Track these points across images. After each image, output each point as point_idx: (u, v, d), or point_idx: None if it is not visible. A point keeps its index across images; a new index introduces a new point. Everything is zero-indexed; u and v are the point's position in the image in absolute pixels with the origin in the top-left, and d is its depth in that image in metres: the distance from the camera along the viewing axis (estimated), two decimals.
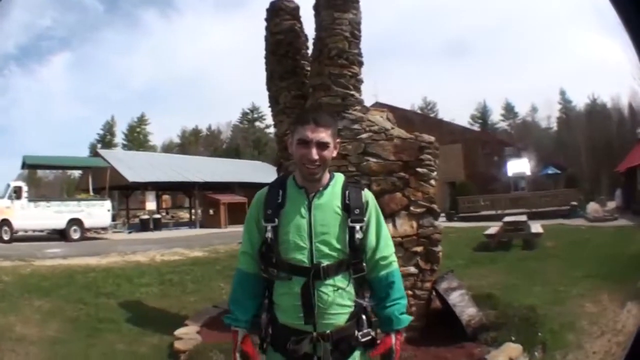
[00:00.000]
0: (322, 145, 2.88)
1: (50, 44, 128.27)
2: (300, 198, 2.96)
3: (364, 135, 7.08)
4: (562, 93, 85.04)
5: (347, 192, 2.98)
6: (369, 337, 2.98)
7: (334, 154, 3.01)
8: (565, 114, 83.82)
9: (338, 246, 2.88)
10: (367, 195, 3.08)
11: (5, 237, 27.37)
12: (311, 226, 2.89)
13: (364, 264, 2.99)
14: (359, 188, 3.08)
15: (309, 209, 2.92)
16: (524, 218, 21.26)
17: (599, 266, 12.56)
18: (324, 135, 2.90)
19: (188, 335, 7.68)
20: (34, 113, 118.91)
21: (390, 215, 6.88)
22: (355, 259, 2.94)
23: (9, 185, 28.81)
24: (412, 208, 6.98)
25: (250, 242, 3.09)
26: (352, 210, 2.92)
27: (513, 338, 6.56)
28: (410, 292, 6.79)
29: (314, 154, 2.85)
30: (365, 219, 2.99)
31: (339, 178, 3.07)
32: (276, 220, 2.93)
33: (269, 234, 2.93)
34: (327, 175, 3.02)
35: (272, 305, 3.02)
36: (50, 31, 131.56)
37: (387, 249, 3.08)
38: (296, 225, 2.90)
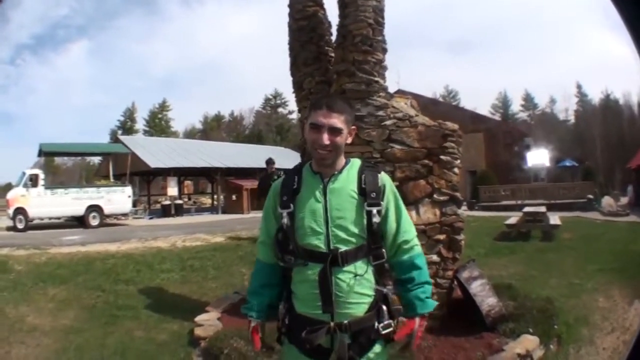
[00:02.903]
0: (335, 131, 2.87)
1: (68, 32, 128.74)
2: (315, 183, 2.96)
3: (388, 122, 7.03)
4: (579, 87, 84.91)
5: (363, 176, 2.95)
6: (390, 329, 2.93)
7: (349, 140, 2.99)
8: (582, 107, 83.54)
9: (355, 231, 2.86)
10: (384, 178, 3.05)
11: (20, 225, 27.35)
12: (327, 211, 2.88)
13: (384, 250, 2.96)
14: (376, 171, 3.03)
15: (324, 194, 2.91)
16: (543, 209, 21.22)
17: (612, 261, 12.61)
18: (337, 120, 2.88)
19: (209, 321, 7.68)
20: (53, 101, 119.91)
21: (413, 203, 6.86)
22: (375, 245, 2.91)
23: (24, 173, 28.82)
24: (435, 196, 6.94)
25: (267, 231, 3.11)
26: (368, 194, 2.90)
27: (530, 330, 6.54)
28: (432, 281, 6.77)
29: (325, 139, 2.85)
30: (383, 202, 2.96)
31: (355, 162, 3.06)
32: (292, 205, 2.94)
33: (285, 220, 2.93)
34: (342, 160, 3.00)
35: (290, 295, 3.01)
36: (67, 20, 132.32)
37: (409, 233, 3.06)
38: (311, 210, 2.90)
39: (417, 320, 2.99)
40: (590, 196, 32.75)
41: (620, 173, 48.95)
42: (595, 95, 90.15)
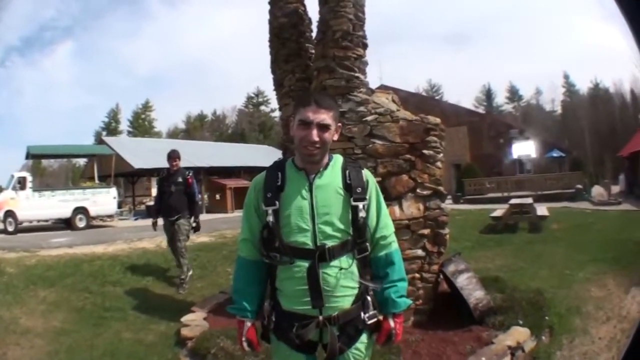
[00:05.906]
0: (323, 127, 2.89)
1: (54, 34, 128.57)
2: (300, 180, 2.96)
3: (369, 118, 7.00)
4: (566, 77, 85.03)
5: (347, 172, 2.99)
6: (375, 319, 2.98)
7: (335, 137, 3.01)
8: (569, 98, 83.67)
9: (341, 226, 2.88)
10: (367, 174, 3.10)
11: (10, 228, 27.20)
12: (313, 207, 2.89)
13: (368, 244, 2.98)
14: (359, 167, 3.07)
15: (310, 190, 2.92)
16: (529, 200, 21.17)
17: (604, 250, 12.50)
18: (325, 117, 2.90)
19: (195, 321, 7.69)
20: (39, 103, 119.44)
21: (397, 198, 6.86)
22: (360, 239, 2.92)
23: (13, 176, 28.60)
24: (418, 190, 6.92)
25: (250, 228, 3.09)
26: (354, 189, 2.93)
27: (520, 322, 6.53)
28: (417, 275, 6.81)
29: (315, 135, 2.86)
30: (367, 197, 2.97)
31: (338, 159, 3.08)
32: (277, 203, 2.92)
33: (270, 218, 2.92)
34: (326, 157, 3.00)
35: (274, 292, 3.00)
36: (54, 21, 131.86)
37: (387, 229, 3.09)
38: (298, 207, 2.90)
39: (391, 319, 3.02)
40: (579, 186, 32.73)
41: (611, 162, 49.10)
42: (583, 85, 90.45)
